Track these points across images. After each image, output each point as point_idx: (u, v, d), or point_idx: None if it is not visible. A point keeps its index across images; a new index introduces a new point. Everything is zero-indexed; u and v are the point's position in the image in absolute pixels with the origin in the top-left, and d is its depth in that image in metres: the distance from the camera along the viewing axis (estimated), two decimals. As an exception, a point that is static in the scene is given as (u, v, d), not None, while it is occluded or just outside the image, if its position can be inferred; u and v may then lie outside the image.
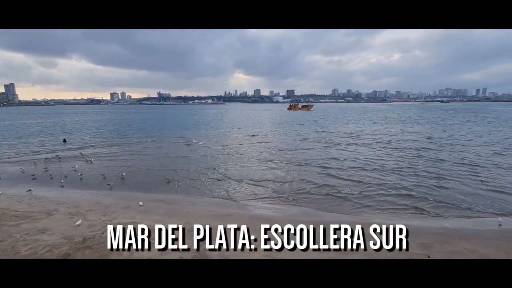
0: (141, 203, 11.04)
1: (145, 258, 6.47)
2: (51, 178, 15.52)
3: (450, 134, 32.95)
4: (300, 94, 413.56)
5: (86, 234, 8.17)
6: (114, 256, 6.29)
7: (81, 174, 15.96)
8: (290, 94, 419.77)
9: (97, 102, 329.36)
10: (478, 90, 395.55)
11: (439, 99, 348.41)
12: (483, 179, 14.14)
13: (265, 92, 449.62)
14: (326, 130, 39.29)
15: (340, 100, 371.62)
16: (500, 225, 9.37)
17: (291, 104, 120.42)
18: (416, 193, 12.31)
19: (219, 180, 14.96)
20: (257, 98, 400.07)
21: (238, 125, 50.18)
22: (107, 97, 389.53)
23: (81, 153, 22.57)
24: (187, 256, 6.54)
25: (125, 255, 6.23)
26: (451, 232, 8.73)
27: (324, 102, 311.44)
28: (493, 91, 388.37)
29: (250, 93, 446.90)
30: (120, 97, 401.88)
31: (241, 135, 34.57)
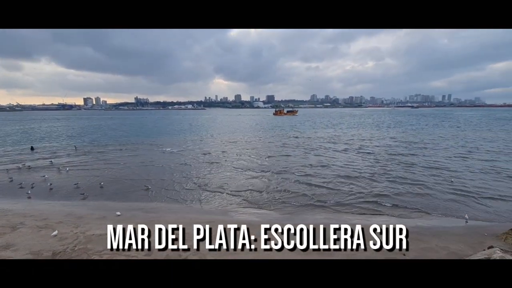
0: (118, 213, 10.54)
1: (145, 258, 6.23)
2: (22, 187, 14.53)
3: (421, 138, 34.97)
4: (280, 100, 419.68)
5: (56, 248, 7.65)
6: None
7: (51, 184, 14.98)
8: (270, 99, 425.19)
9: (69, 107, 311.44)
10: (444, 96, 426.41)
11: (409, 104, 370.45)
12: (452, 180, 15.13)
13: (245, 97, 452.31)
14: (307, 136, 40.17)
15: (319, 106, 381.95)
16: (466, 221, 10.07)
17: (277, 110, 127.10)
18: (391, 199, 12.69)
19: (198, 189, 14.62)
20: (238, 104, 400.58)
21: (219, 131, 49.78)
22: (80, 102, 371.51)
23: (51, 162, 21.21)
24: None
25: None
26: (424, 230, 9.21)
27: (304, 107, 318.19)
28: (457, 97, 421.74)
29: (231, 98, 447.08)
30: (94, 102, 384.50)
31: (222, 142, 34.23)
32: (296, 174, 17.09)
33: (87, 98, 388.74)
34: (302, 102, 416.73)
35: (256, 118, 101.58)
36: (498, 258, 5.98)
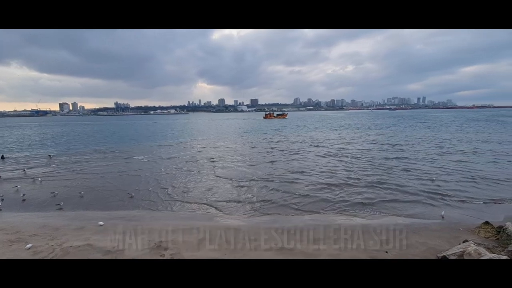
0: (101, 223, 10.02)
1: (145, 258, 6.01)
2: (2, 199, 13.60)
3: (399, 140, 36.47)
4: (264, 103, 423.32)
5: (30, 262, 7.20)
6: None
7: (24, 195, 14.11)
8: (254, 103, 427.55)
9: (44, 113, 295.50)
10: (419, 99, 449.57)
11: (387, 107, 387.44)
12: (434, 179, 15.87)
13: (229, 101, 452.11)
14: (290, 140, 40.68)
15: (302, 109, 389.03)
16: (443, 217, 10.63)
17: (267, 113, 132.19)
18: (372, 201, 12.87)
19: (180, 197, 14.12)
20: (222, 108, 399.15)
21: (202, 137, 49.20)
22: (55, 108, 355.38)
23: (24, 171, 20.00)
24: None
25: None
26: (405, 228, 9.57)
27: (287, 111, 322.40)
28: (431, 100, 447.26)
29: (215, 102, 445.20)
30: (71, 108, 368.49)
31: (205, 149, 33.73)
32: (279, 182, 16.72)
33: (63, 103, 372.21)
34: (285, 105, 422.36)
35: (245, 122, 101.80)
36: (472, 251, 6.35)
